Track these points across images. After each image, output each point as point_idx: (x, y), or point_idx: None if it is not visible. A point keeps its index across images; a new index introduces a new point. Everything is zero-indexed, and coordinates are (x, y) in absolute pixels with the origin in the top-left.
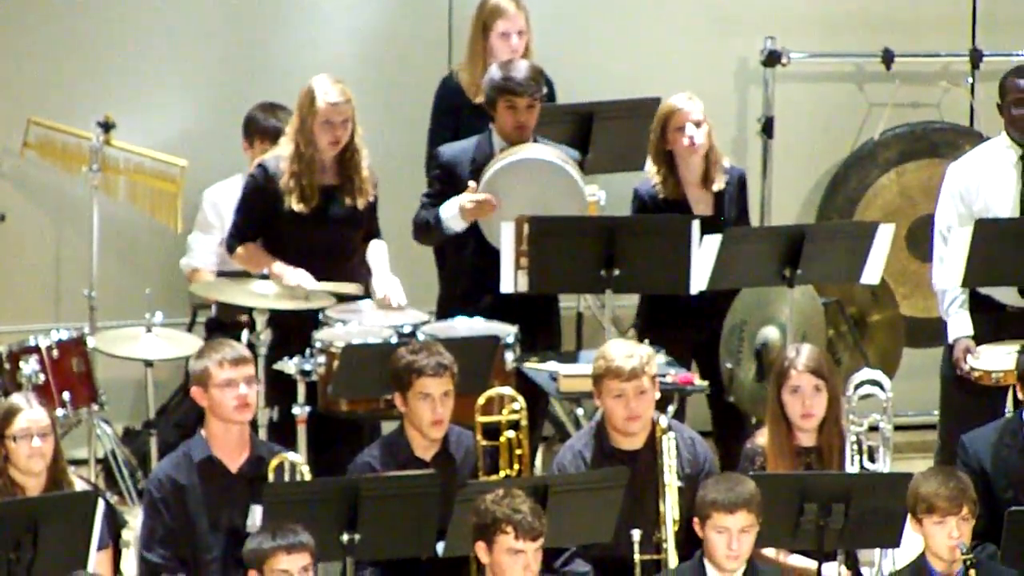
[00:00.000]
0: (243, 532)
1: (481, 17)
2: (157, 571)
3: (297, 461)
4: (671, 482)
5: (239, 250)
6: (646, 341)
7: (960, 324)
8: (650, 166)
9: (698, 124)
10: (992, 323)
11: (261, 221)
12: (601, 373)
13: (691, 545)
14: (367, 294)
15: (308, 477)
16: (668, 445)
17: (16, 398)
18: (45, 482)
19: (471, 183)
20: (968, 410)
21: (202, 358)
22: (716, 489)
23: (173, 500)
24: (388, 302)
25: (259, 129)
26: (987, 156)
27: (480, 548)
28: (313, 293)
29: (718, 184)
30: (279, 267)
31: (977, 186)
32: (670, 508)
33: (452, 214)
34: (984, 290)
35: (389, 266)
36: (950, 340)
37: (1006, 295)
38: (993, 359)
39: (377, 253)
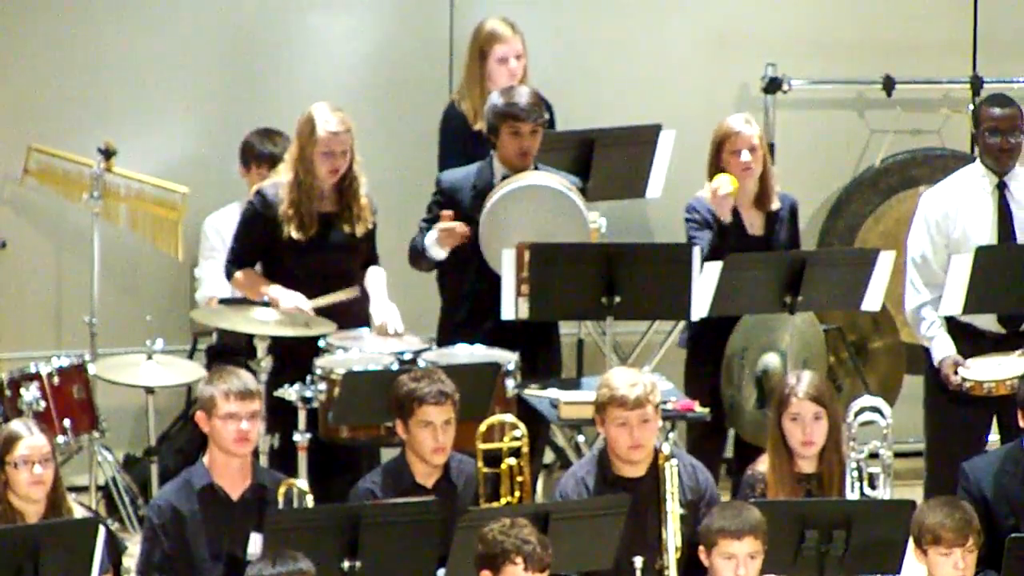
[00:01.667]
0: (243, 560)
1: (478, 43)
2: None
3: (304, 488)
4: (673, 509)
5: (237, 275)
6: (647, 367)
7: (944, 344)
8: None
9: (753, 149)
10: (972, 350)
11: (259, 248)
12: (605, 401)
13: (692, 573)
14: (366, 319)
15: (312, 505)
16: (670, 472)
17: (16, 425)
18: (44, 508)
19: (444, 212)
20: (954, 437)
21: (210, 385)
22: (723, 516)
23: (172, 527)
24: (386, 329)
25: (255, 155)
26: (962, 184)
27: None
28: (314, 320)
29: (774, 204)
30: (275, 291)
31: (955, 214)
32: (672, 535)
33: (432, 241)
34: (965, 318)
35: (387, 292)
36: (936, 361)
37: (985, 321)
38: (983, 370)
39: (375, 279)
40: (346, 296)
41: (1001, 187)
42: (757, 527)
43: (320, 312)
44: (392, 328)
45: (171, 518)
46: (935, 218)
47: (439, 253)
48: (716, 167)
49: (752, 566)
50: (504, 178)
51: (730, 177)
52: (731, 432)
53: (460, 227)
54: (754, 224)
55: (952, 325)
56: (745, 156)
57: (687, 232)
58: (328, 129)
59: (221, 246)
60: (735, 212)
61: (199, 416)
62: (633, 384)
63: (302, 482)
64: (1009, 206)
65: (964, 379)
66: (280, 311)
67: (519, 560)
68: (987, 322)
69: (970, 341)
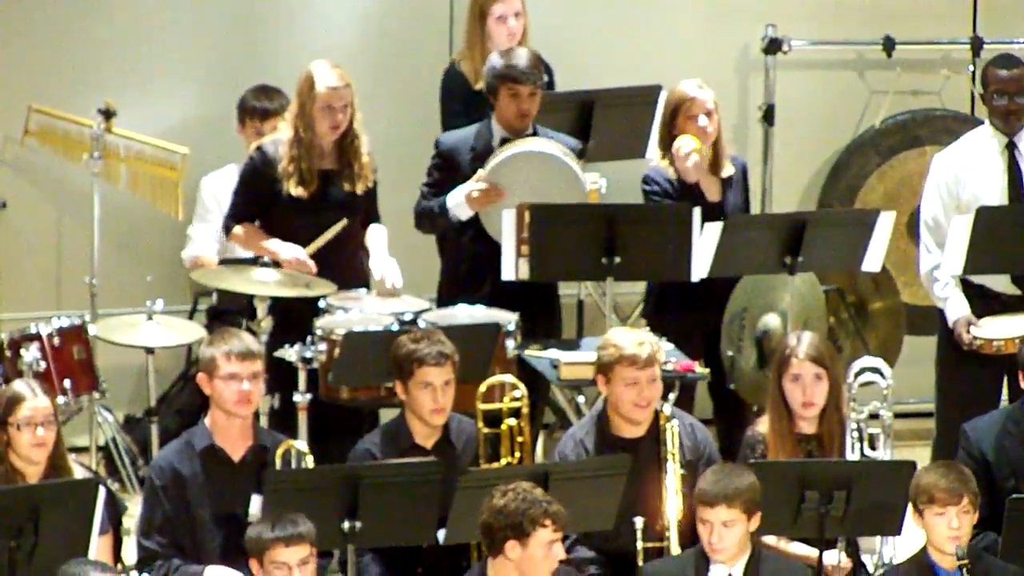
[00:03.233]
0: (244, 521)
1: (477, 3)
2: (153, 558)
3: (303, 450)
4: (674, 470)
5: (236, 230)
6: (645, 328)
7: (958, 304)
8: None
9: (709, 114)
10: (986, 312)
11: (259, 204)
12: (613, 361)
13: (694, 532)
14: (365, 280)
15: (312, 465)
16: (671, 434)
17: (19, 386)
18: (45, 469)
19: (480, 172)
20: (965, 398)
21: (211, 346)
22: (706, 480)
23: (173, 488)
24: (384, 283)
25: (248, 110)
26: (972, 146)
27: (511, 547)
28: (314, 281)
29: (727, 170)
30: (274, 244)
31: (964, 176)
32: (672, 496)
33: (458, 202)
34: (977, 279)
35: (387, 250)
36: (950, 322)
37: (999, 283)
38: (994, 328)
39: (376, 236)
40: (338, 229)
41: (1011, 147)
42: (733, 496)
43: (320, 266)
44: (391, 282)
45: (172, 479)
46: (945, 180)
47: (464, 214)
48: (670, 133)
49: (729, 534)
50: (503, 140)
51: (690, 136)
52: (704, 392)
53: (495, 189)
54: (710, 190)
55: (966, 287)
56: (702, 121)
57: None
58: (328, 84)
59: (216, 208)
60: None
61: (200, 378)
62: (641, 343)
63: (301, 443)
64: (1019, 166)
65: (975, 337)
66: (282, 267)
67: (548, 522)
68: (1001, 284)
69: (984, 303)
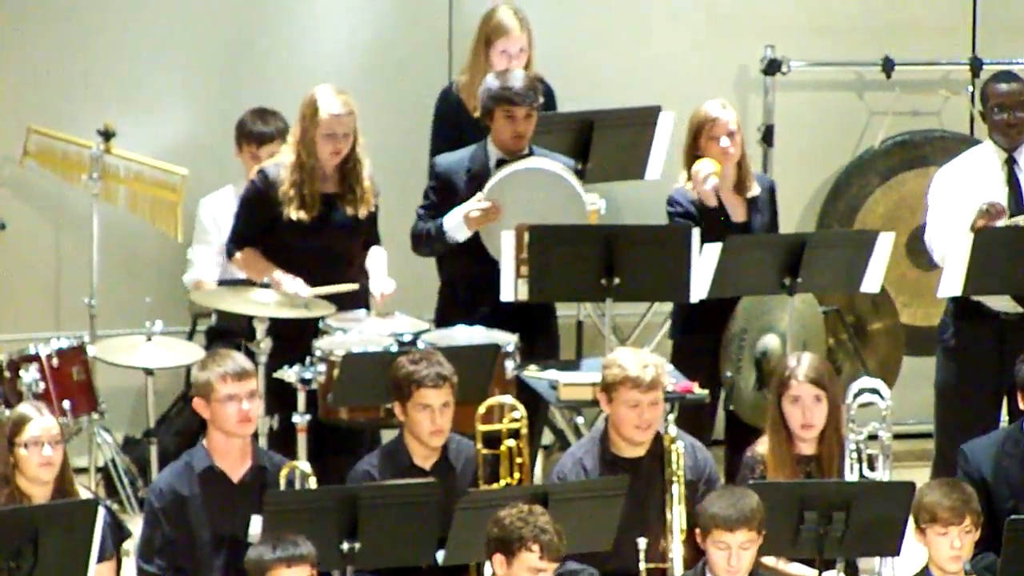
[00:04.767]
0: (244, 542)
1: (484, 31)
2: None
3: (306, 471)
4: (679, 492)
5: (238, 255)
6: (648, 348)
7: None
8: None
9: (731, 135)
10: (990, 331)
11: (260, 227)
12: (618, 381)
13: (691, 551)
14: (364, 300)
15: (315, 487)
16: (676, 455)
17: (25, 407)
18: (52, 492)
19: (480, 193)
20: (964, 419)
21: (205, 370)
22: (718, 504)
23: (173, 511)
24: (382, 295)
25: (245, 133)
26: (972, 163)
27: (498, 561)
28: (313, 302)
29: (752, 191)
30: (277, 275)
31: (964, 194)
32: (677, 517)
33: (455, 223)
34: (976, 299)
35: (387, 272)
36: (971, 227)
37: (999, 303)
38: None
39: (376, 258)
40: (346, 289)
41: (1010, 162)
42: (752, 518)
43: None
44: (379, 291)
45: (172, 501)
46: (944, 198)
47: (461, 235)
48: (693, 154)
49: (745, 556)
50: (499, 161)
51: (709, 159)
52: (721, 413)
53: (493, 207)
54: (736, 210)
55: (965, 305)
56: (724, 142)
57: None
58: (331, 111)
59: (214, 229)
60: (717, 199)
61: (197, 403)
62: (645, 365)
63: (304, 464)
64: (1019, 181)
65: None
66: (280, 292)
67: (535, 548)
68: (1001, 303)
69: (982, 321)
